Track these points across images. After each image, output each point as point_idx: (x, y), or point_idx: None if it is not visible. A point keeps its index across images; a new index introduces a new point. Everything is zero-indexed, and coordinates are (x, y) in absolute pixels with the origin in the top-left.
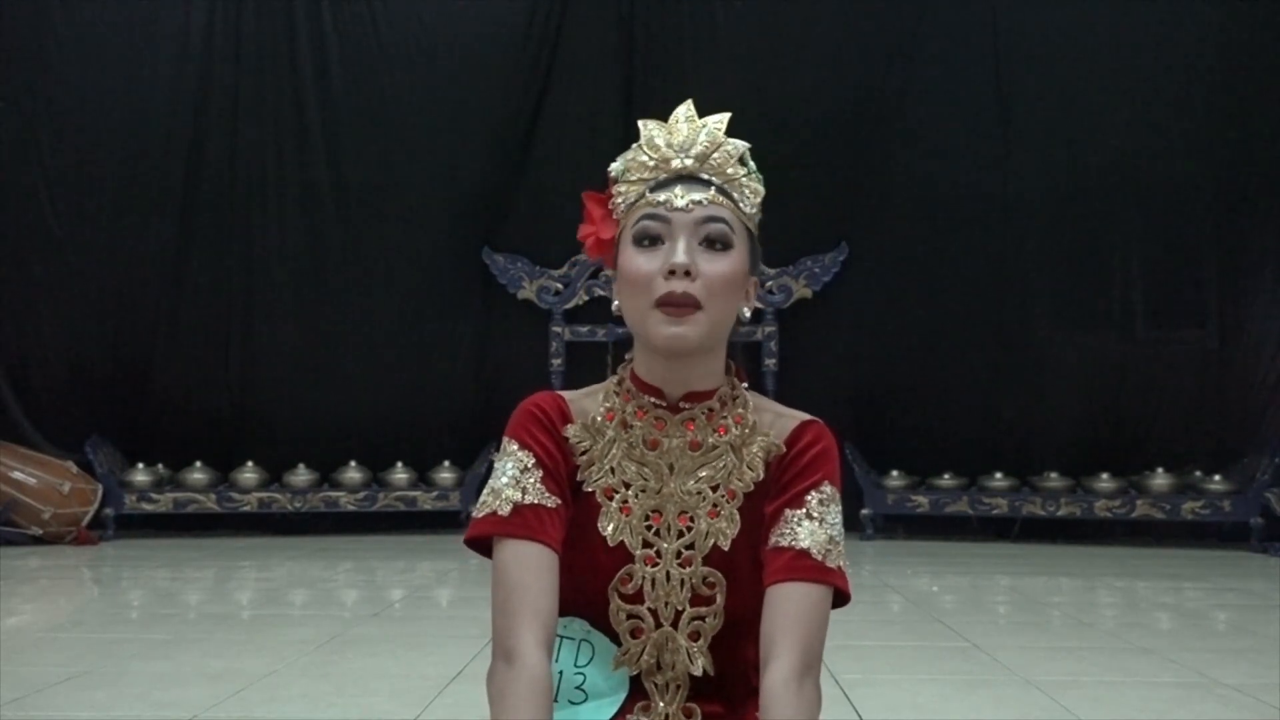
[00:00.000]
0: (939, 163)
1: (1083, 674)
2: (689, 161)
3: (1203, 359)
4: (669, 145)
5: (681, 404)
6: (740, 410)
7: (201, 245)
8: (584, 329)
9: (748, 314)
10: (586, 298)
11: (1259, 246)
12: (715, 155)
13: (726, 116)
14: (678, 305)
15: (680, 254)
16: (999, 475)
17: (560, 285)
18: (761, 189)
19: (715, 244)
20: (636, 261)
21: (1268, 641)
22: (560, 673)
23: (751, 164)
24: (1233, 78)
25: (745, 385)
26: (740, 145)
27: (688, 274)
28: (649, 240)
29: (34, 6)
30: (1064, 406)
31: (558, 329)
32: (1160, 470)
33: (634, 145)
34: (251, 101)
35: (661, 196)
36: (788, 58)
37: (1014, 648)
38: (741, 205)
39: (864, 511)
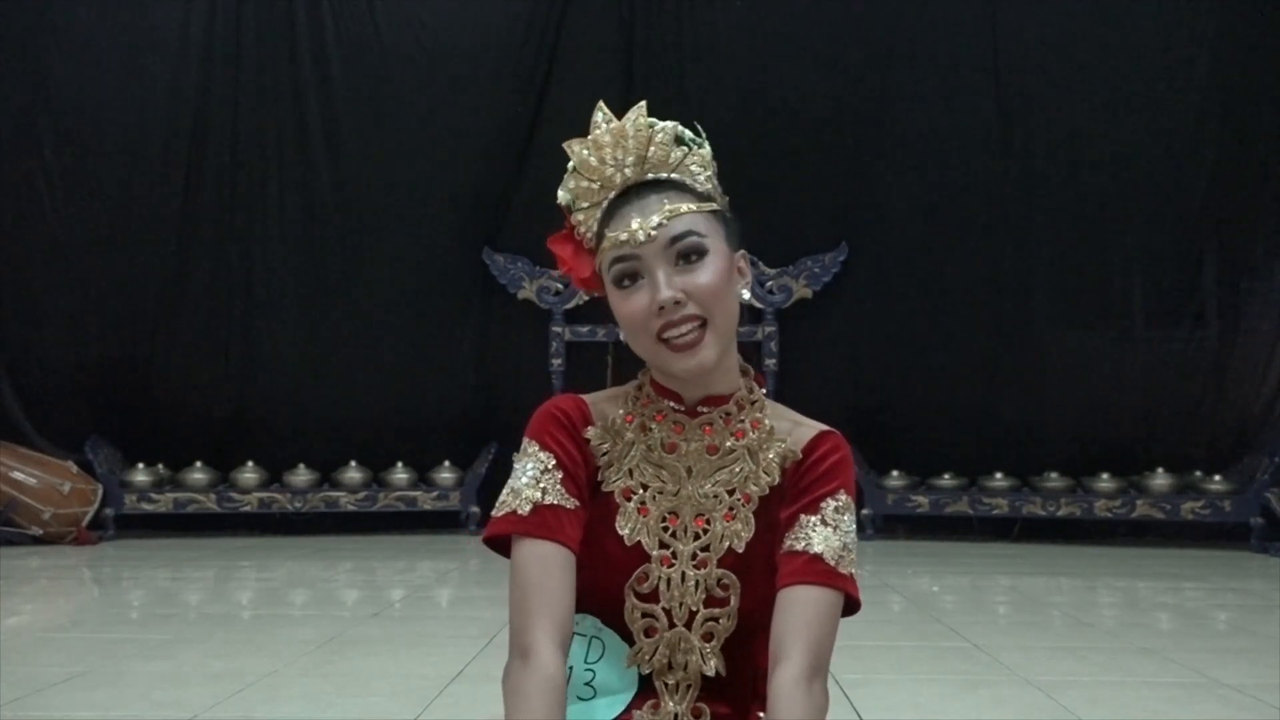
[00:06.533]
0: (939, 162)
1: (1083, 674)
2: (629, 172)
3: (1203, 359)
4: (602, 161)
5: (700, 408)
6: (757, 414)
7: (202, 245)
8: (584, 329)
9: (746, 294)
10: (586, 298)
11: (1258, 246)
12: (650, 152)
13: (643, 105)
14: (679, 325)
15: (663, 290)
16: (999, 475)
17: (560, 285)
18: (707, 152)
19: (690, 256)
20: (625, 306)
21: (1268, 641)
22: (571, 668)
23: (688, 135)
24: (1231, 77)
25: (764, 390)
26: (670, 126)
27: (677, 303)
28: (628, 280)
29: (34, 6)
30: (1064, 406)
31: (558, 329)
32: (1160, 470)
33: (569, 170)
34: (251, 102)
35: (623, 235)
36: (787, 58)
37: (1014, 648)
38: (696, 188)
39: (864, 511)
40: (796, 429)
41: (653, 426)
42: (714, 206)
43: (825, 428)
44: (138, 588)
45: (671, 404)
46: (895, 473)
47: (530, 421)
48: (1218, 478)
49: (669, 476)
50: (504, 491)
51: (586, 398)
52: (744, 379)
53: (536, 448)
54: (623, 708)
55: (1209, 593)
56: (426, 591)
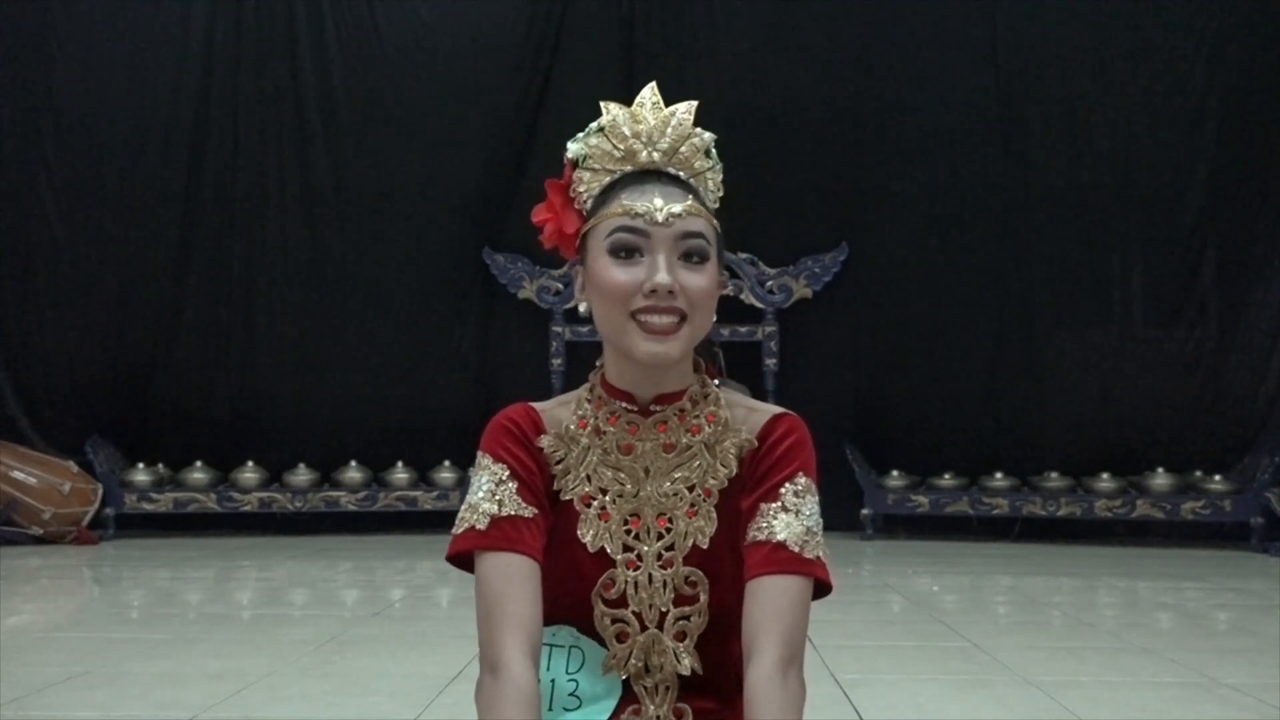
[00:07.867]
0: (939, 162)
1: (1083, 674)
2: (657, 155)
3: (1203, 359)
4: (635, 135)
5: (653, 406)
6: (712, 408)
7: (202, 245)
8: (584, 329)
9: (713, 316)
10: None
11: (1258, 246)
12: (683, 148)
13: (694, 105)
14: (662, 314)
15: (662, 273)
16: (999, 475)
17: (560, 285)
18: (720, 178)
19: (693, 257)
20: (614, 274)
21: (1268, 641)
22: (553, 681)
23: (715, 155)
24: (1230, 77)
25: (717, 383)
26: (708, 136)
27: (670, 292)
28: (625, 252)
29: (34, 7)
30: (1064, 406)
31: (558, 329)
32: (1160, 470)
33: (594, 128)
34: (251, 102)
35: (640, 207)
36: (788, 57)
37: (1014, 648)
38: (706, 200)
39: (864, 511)
40: (750, 415)
41: (607, 429)
42: (717, 225)
43: (780, 410)
44: (138, 588)
45: (624, 405)
46: (895, 473)
47: (482, 435)
48: (1218, 478)
49: (627, 478)
50: (462, 508)
51: (537, 405)
52: (695, 374)
53: (489, 460)
54: (606, 715)
55: (1209, 593)
56: (426, 591)
